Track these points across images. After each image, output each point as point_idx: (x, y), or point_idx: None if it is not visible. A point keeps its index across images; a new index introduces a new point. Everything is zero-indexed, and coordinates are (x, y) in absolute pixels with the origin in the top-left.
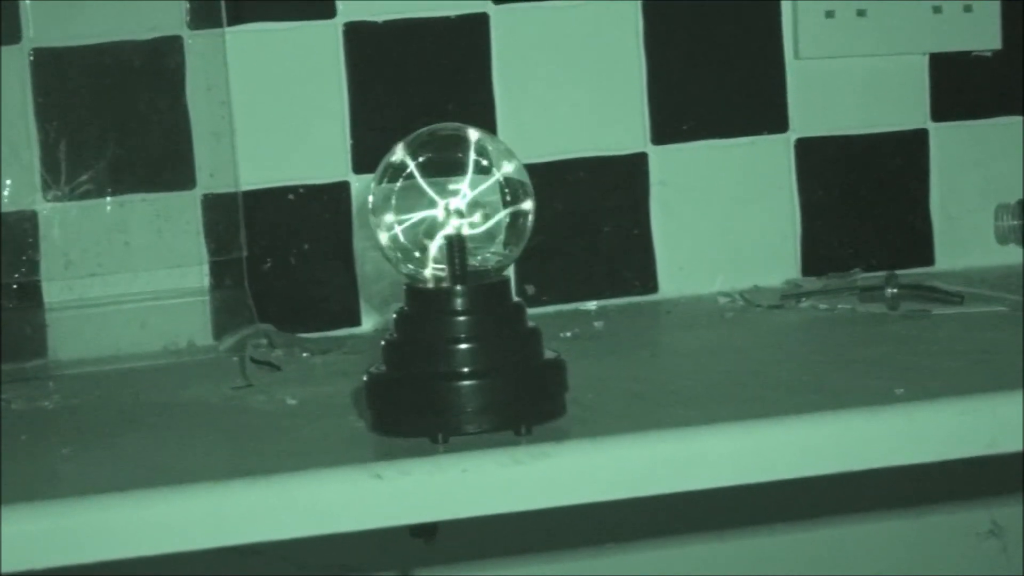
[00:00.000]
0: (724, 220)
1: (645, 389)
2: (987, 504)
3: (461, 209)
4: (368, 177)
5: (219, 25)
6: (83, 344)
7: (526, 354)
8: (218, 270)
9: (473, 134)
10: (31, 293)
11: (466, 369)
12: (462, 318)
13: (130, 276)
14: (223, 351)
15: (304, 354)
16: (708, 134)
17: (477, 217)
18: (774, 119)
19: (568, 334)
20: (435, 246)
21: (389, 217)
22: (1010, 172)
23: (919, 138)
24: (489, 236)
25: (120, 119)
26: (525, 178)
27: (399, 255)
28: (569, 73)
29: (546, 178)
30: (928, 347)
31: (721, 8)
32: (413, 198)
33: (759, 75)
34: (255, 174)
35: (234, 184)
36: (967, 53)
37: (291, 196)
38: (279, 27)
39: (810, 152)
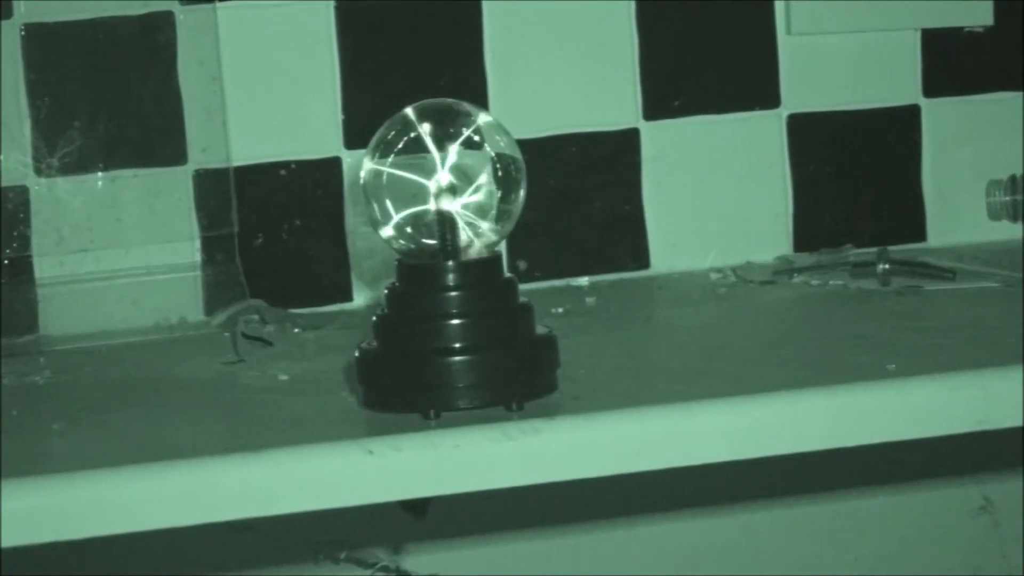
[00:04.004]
0: (716, 196)
1: (637, 365)
2: (979, 480)
3: (453, 184)
4: (360, 153)
5: (211, 0)
6: (74, 320)
7: (518, 330)
8: (210, 246)
9: (465, 109)
10: (22, 269)
11: (458, 345)
12: (453, 294)
13: (121, 252)
14: (215, 327)
15: (296, 330)
16: (700, 110)
17: (468, 192)
18: (766, 95)
19: (560, 310)
20: (426, 221)
21: (380, 192)
22: (1002, 148)
23: (911, 114)
24: (480, 211)
25: (112, 94)
26: (517, 153)
27: (391, 231)
28: (561, 49)
29: (538, 154)
30: (920, 323)
31: None
32: (405, 173)
33: (751, 51)
34: (247, 150)
35: (226, 160)
36: (959, 29)
37: (283, 172)
38: (271, 2)
39: (802, 128)
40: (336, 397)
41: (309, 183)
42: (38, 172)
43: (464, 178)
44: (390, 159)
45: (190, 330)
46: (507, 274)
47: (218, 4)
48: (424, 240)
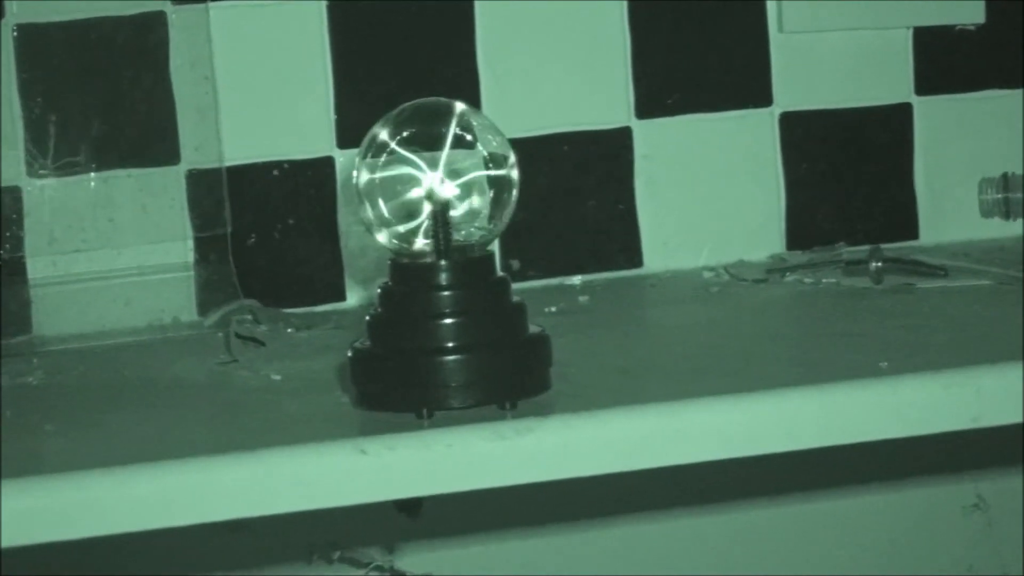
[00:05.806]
0: (709, 194)
1: (630, 363)
2: (972, 478)
3: (445, 183)
4: (353, 152)
5: (203, 0)
6: (67, 320)
7: (511, 329)
8: (202, 246)
9: (457, 108)
10: (15, 269)
11: (450, 344)
12: (446, 293)
13: (114, 252)
14: (208, 327)
15: (289, 329)
16: (692, 108)
17: (461, 191)
18: (758, 93)
19: (553, 309)
20: (419, 220)
21: (373, 192)
22: (994, 146)
23: (903, 112)
24: (473, 210)
25: (104, 95)
26: (510, 152)
27: (384, 230)
28: (553, 47)
29: (530, 152)
30: (912, 320)
31: None
32: (397, 172)
33: (743, 49)
34: (239, 149)
35: (218, 159)
36: (951, 27)
37: (275, 171)
38: (263, 2)
39: (794, 126)
40: (329, 397)
41: (302, 183)
42: (31, 172)
43: (457, 177)
44: (383, 158)
45: (183, 330)
46: (500, 273)
47: (210, 4)
48: (417, 239)
